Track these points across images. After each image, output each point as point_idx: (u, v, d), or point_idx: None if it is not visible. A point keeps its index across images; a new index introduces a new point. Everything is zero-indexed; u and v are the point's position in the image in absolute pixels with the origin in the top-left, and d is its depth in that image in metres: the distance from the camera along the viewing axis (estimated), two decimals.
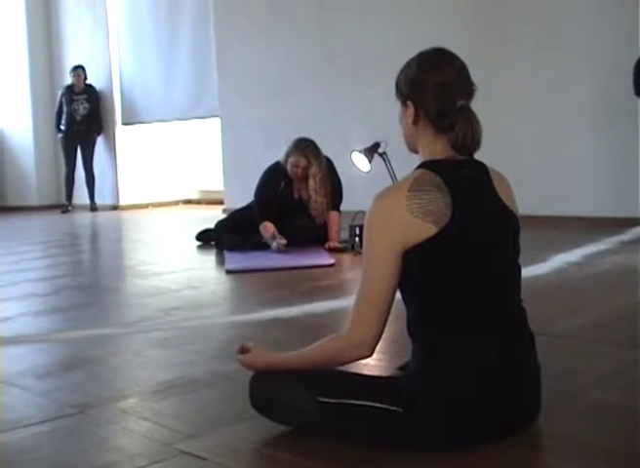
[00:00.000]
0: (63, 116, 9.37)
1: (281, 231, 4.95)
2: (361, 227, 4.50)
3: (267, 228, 4.99)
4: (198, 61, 8.59)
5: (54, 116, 9.57)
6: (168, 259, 5.15)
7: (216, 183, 8.95)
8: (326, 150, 5.17)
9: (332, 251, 4.93)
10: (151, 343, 2.83)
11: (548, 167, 5.85)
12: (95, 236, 7.71)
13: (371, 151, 5.05)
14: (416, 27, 6.29)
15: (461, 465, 1.62)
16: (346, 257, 4.77)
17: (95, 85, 9.53)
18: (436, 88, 1.75)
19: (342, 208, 5.19)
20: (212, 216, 6.57)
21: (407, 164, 2.05)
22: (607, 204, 5.59)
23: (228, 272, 4.41)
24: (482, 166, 1.82)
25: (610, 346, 2.58)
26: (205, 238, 5.59)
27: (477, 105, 1.79)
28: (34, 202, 10.12)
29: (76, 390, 2.28)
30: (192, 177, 9.92)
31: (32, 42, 10.05)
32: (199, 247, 5.53)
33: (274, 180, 5.13)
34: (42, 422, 1.99)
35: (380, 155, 5.05)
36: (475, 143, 1.76)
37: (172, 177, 9.89)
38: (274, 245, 4.90)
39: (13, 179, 10.41)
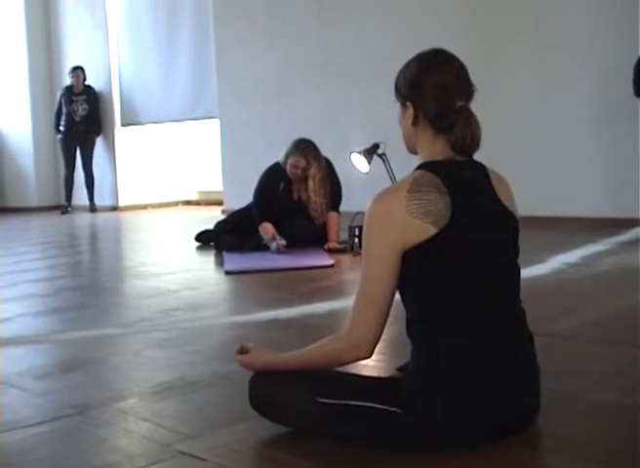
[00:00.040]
0: (63, 117, 9.38)
1: (280, 232, 4.95)
2: (360, 228, 4.48)
3: (267, 229, 4.99)
4: (197, 62, 8.59)
5: (53, 117, 9.58)
6: (167, 260, 5.15)
7: (215, 184, 8.95)
8: (325, 151, 5.17)
9: (331, 251, 4.93)
10: (151, 344, 2.83)
11: (548, 167, 5.86)
12: (94, 237, 7.71)
13: (370, 152, 5.06)
14: (415, 28, 6.29)
15: (461, 466, 1.62)
16: (346, 258, 4.77)
17: (94, 86, 9.53)
18: (435, 89, 1.75)
19: (342, 209, 5.19)
20: (211, 217, 6.58)
21: (406, 165, 2.05)
22: (606, 204, 5.59)
23: (228, 273, 4.41)
24: (481, 167, 1.82)
25: (609, 346, 2.58)
26: (204, 239, 5.59)
27: (476, 106, 1.79)
28: (34, 203, 10.12)
29: (75, 391, 2.28)
30: (191, 178, 9.92)
31: (31, 43, 10.06)
32: (198, 248, 5.53)
33: (274, 181, 5.13)
34: (41, 423, 1.99)
35: (380, 156, 5.05)
36: (474, 144, 1.76)
37: (171, 178, 9.89)
38: (274, 246, 4.90)
39: (12, 180, 10.41)
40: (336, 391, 1.73)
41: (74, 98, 9.36)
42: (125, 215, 8.97)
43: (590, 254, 4.44)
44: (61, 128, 9.39)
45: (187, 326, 3.11)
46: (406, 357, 1.85)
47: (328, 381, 1.78)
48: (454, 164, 1.77)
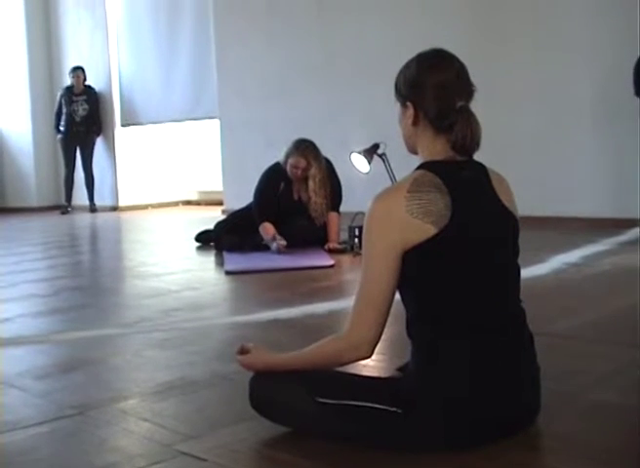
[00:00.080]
0: (63, 117, 9.37)
1: (281, 232, 4.95)
2: (360, 228, 4.47)
3: (267, 229, 4.99)
4: (198, 62, 8.59)
5: (53, 117, 9.57)
6: (167, 260, 5.15)
7: (215, 184, 8.95)
8: (325, 151, 5.17)
9: (331, 252, 4.93)
10: (151, 344, 2.83)
11: (548, 167, 5.85)
12: (94, 237, 7.71)
13: (370, 152, 5.06)
14: (415, 28, 6.29)
15: (461, 466, 1.62)
16: (346, 258, 4.77)
17: (94, 86, 9.53)
18: (435, 89, 1.76)
19: (342, 209, 5.19)
20: (211, 217, 6.58)
21: (406, 165, 2.05)
22: (606, 205, 5.59)
23: (228, 273, 4.41)
24: (481, 167, 1.82)
25: (609, 346, 2.58)
26: (204, 239, 5.58)
27: (476, 106, 1.79)
28: (34, 203, 10.12)
29: (76, 391, 2.28)
30: (192, 178, 9.91)
31: (32, 43, 10.06)
32: (198, 248, 5.53)
33: (274, 181, 5.13)
34: (41, 423, 1.99)
35: (380, 156, 5.05)
36: (475, 144, 1.76)
37: (171, 178, 9.89)
38: (274, 246, 4.90)
39: (12, 181, 10.41)
40: (336, 391, 1.73)
41: (74, 99, 9.36)
42: (125, 216, 8.97)
43: (590, 254, 4.44)
44: (62, 128, 9.39)
45: (188, 326, 3.11)
46: (406, 357, 1.85)
47: (328, 381, 1.78)
48: (454, 164, 1.77)
